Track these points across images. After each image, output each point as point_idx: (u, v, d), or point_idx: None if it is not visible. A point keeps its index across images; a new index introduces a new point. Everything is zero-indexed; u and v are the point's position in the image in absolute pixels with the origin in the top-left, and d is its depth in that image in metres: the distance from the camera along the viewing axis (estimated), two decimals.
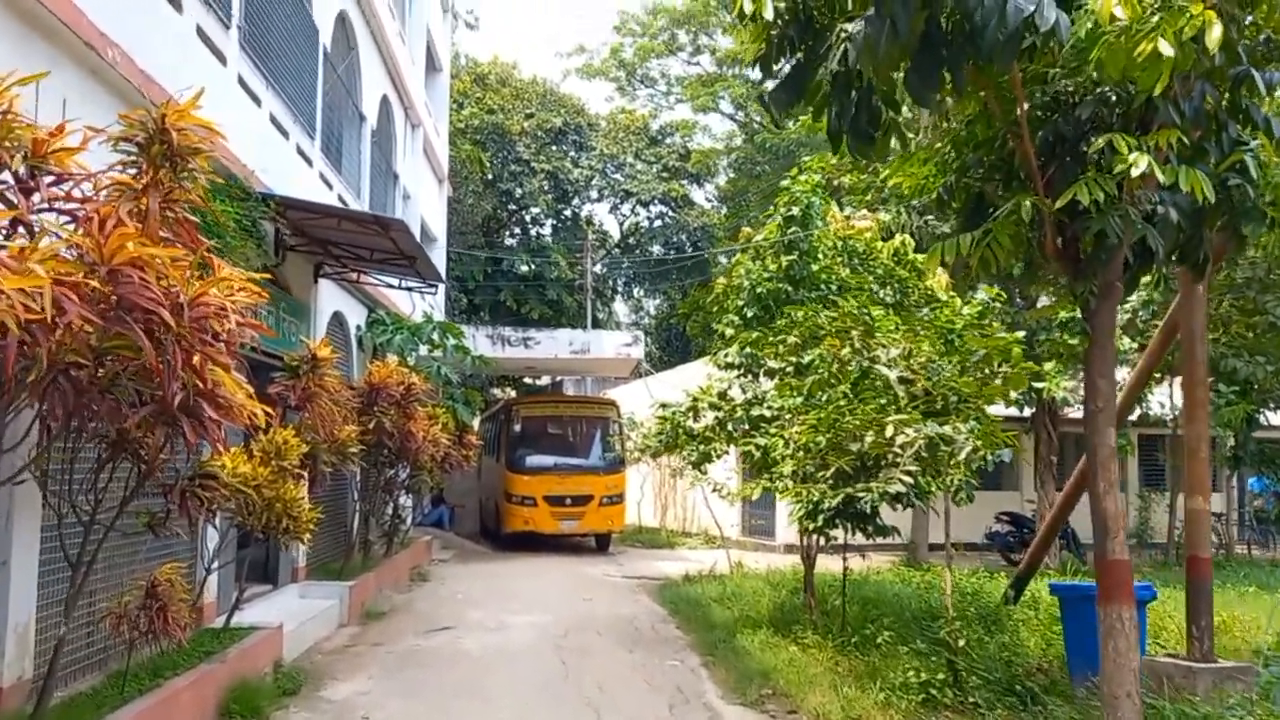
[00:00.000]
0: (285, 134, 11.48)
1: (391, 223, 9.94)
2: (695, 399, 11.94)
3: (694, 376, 25.23)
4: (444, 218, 24.50)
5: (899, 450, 8.21)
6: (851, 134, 6.50)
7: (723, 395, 11.82)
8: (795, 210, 11.92)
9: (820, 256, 12.11)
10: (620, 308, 43.50)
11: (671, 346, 39.70)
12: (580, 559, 20.99)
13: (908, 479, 7.98)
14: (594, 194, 38.61)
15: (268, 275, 6.83)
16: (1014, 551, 20.64)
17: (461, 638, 11.50)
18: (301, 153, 12.10)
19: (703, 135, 40.14)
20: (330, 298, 13.55)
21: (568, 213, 39.22)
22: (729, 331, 12.19)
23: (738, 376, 11.96)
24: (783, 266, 11.86)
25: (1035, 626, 11.30)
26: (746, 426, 11.57)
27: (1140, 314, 15.41)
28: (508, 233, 38.72)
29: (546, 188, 35.72)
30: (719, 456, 12.11)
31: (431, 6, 22.33)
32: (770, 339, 9.86)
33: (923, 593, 14.42)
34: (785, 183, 12.33)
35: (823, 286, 12.03)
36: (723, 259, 41.30)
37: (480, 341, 20.28)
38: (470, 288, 33.78)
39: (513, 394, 34.47)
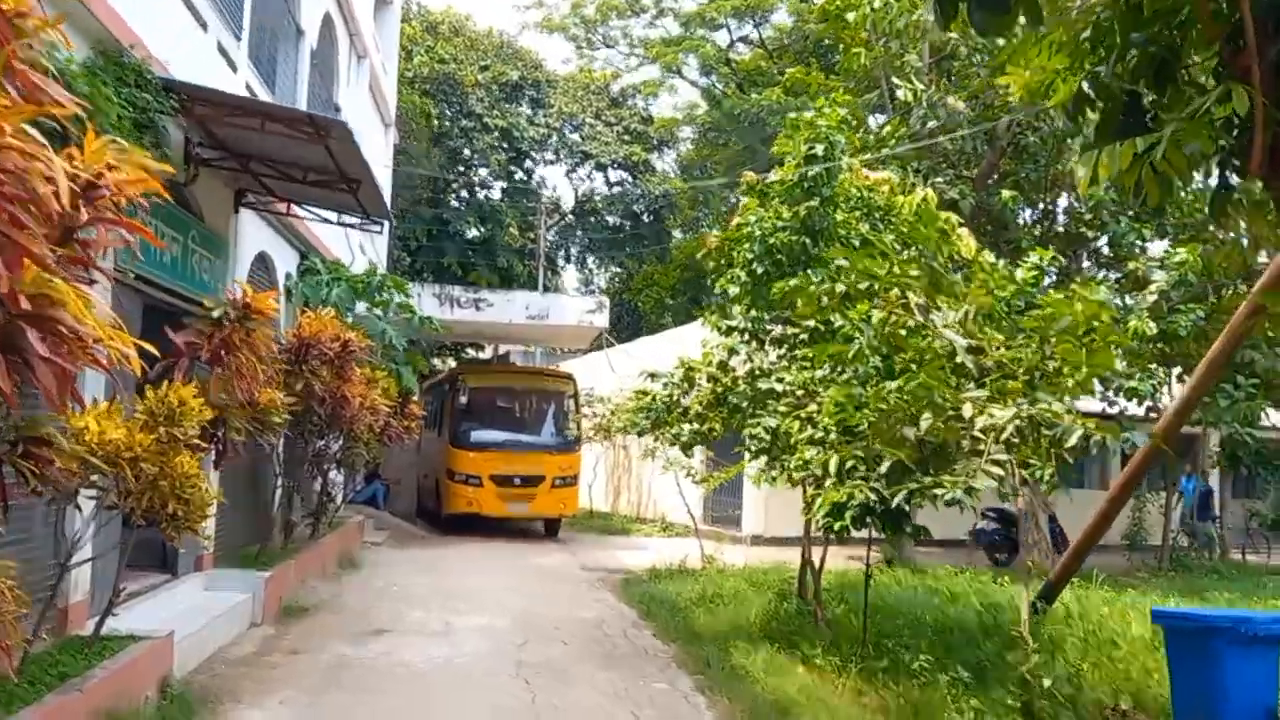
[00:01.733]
0: (203, 25, 9.31)
1: (331, 125, 7.86)
2: (690, 369, 10.04)
3: (661, 349, 23.33)
4: (390, 166, 22.25)
5: (980, 435, 6.39)
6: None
7: (723, 365, 9.93)
8: (818, 148, 10.03)
9: (842, 206, 10.25)
10: (571, 279, 41.42)
11: (623, 322, 37.75)
12: (529, 546, 19.05)
13: (996, 470, 6.15)
14: (549, 155, 36.42)
15: (162, 167, 4.83)
16: (1000, 551, 19.15)
17: (400, 646, 9.50)
18: (224, 53, 9.93)
19: (667, 97, 38.01)
20: (254, 235, 11.41)
21: (519, 175, 37.01)
22: (733, 289, 10.27)
23: (743, 343, 10.08)
24: (800, 214, 9.98)
25: (1081, 648, 9.64)
26: (747, 404, 9.71)
27: (1172, 295, 13.78)
28: (454, 195, 36.37)
29: (499, 145, 33.47)
30: (716, 438, 10.24)
31: None
32: (810, 288, 7.92)
33: (925, 597, 12.75)
34: (808, 114, 10.43)
35: (843, 242, 10.19)
36: (677, 233, 39.43)
37: (426, 302, 18.15)
38: (413, 248, 31.49)
39: (452, 365, 32.25)
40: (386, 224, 23.20)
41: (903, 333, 7.27)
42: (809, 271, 9.97)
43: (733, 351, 9.95)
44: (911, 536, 8.84)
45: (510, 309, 19.37)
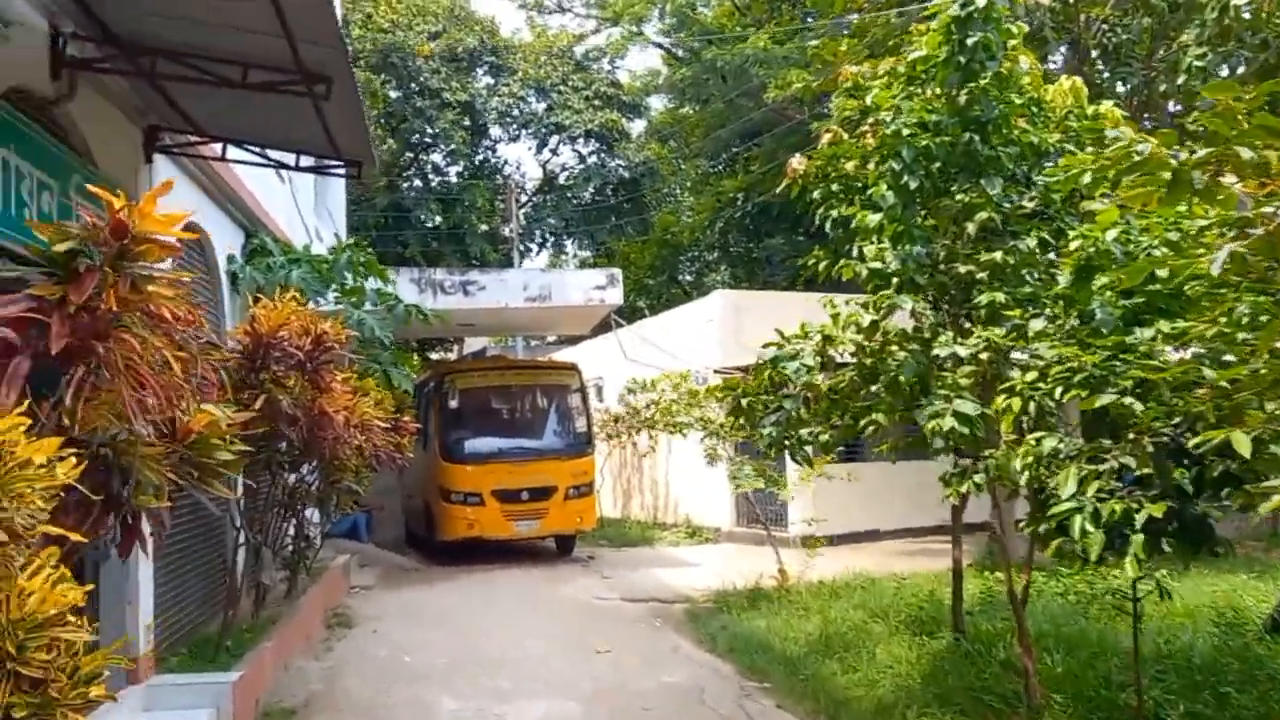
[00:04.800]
0: None
1: None
2: (827, 338, 6.96)
3: (679, 326, 20.35)
4: None
5: None
6: None
7: (872, 329, 6.88)
8: (975, 5, 7.00)
9: (1011, 88, 7.23)
10: (543, 264, 38.11)
11: None
12: (546, 571, 15.93)
13: None
14: (514, 129, 33.00)
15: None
16: None
17: None
18: None
19: (636, 55, 34.46)
20: (178, 198, 8.16)
21: (480, 157, 33.65)
22: (870, 217, 7.21)
23: (900, 294, 6.98)
24: (958, 103, 6.99)
25: None
26: (913, 381, 6.69)
27: None
28: (410, 181, 32.90)
29: (460, 123, 30.07)
30: (876, 435, 7.15)
31: None
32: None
33: (1076, 609, 9.82)
34: None
35: (1017, 142, 7.20)
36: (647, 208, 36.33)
37: (403, 289, 14.98)
38: (370, 240, 28.12)
39: (423, 367, 28.91)
40: (344, 217, 19.86)
41: None
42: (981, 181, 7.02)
43: (888, 309, 6.86)
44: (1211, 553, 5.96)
45: (506, 291, 16.21)
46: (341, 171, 7.89)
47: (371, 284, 11.56)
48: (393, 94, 29.73)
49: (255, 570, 9.48)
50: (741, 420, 7.97)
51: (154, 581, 7.44)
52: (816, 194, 8.15)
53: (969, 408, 6.20)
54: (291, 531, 10.81)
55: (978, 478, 6.25)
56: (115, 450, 3.47)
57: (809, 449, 7.77)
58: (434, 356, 32.77)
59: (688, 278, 38.94)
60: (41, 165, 5.19)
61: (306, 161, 7.92)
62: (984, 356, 6.63)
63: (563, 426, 17.81)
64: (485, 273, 17.31)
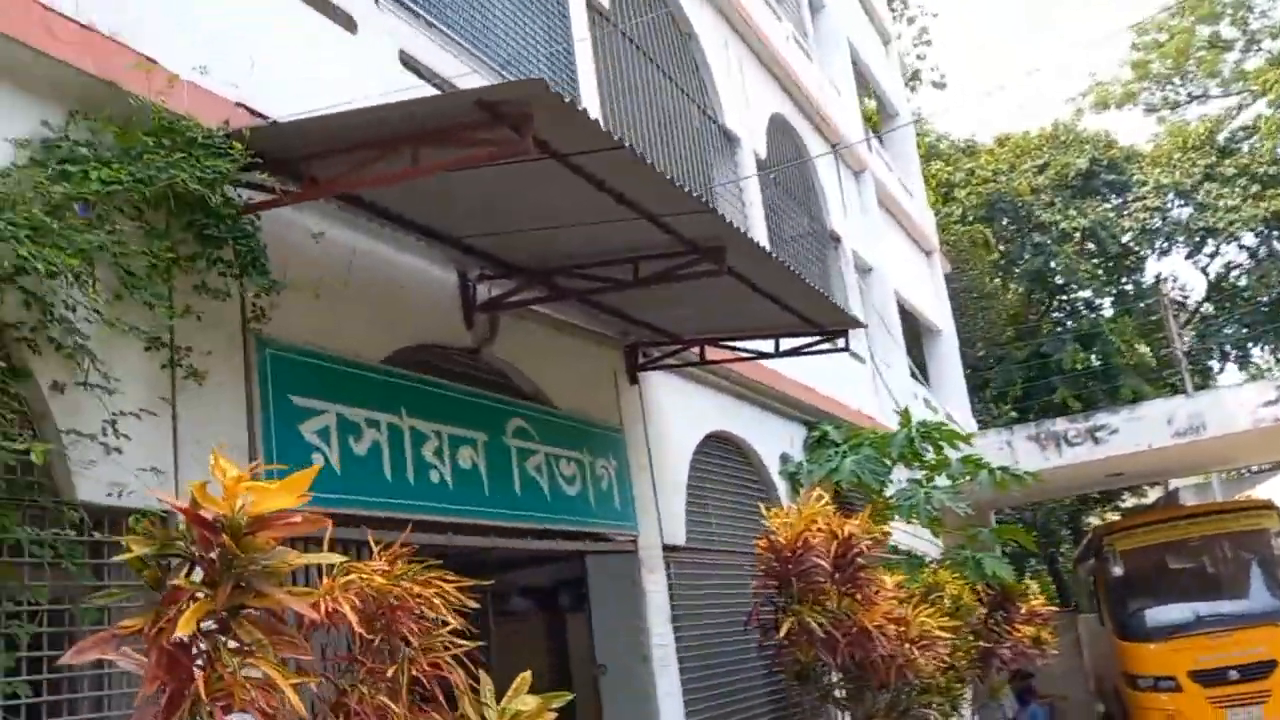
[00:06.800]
0: None
1: (526, 94, 3.31)
2: None
3: None
4: (942, 301, 17.83)
5: None
6: None
7: None
8: None
9: None
10: (1231, 383, 32.72)
11: None
12: None
13: None
14: (1160, 241, 29.49)
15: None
16: None
17: None
18: None
19: None
20: (685, 407, 7.68)
21: (1128, 284, 30.37)
22: None
23: None
24: None
25: None
26: None
27: None
28: (1051, 324, 30.53)
29: (1089, 249, 27.63)
30: None
31: (854, 28, 16.66)
32: None
33: None
34: None
35: None
36: None
37: (1020, 448, 13.16)
38: (1015, 396, 26.36)
39: (1113, 519, 25.52)
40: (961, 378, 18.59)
41: None
42: None
43: None
44: None
45: (1144, 430, 13.49)
46: (826, 346, 6.86)
47: (954, 452, 10.16)
48: (1007, 239, 28.35)
49: None
50: None
51: None
52: None
53: None
54: None
55: None
56: None
57: None
58: (1123, 502, 29.23)
59: None
60: (448, 419, 4.89)
61: (796, 344, 7.03)
62: None
63: (1270, 581, 14.15)
64: (1114, 412, 14.72)
